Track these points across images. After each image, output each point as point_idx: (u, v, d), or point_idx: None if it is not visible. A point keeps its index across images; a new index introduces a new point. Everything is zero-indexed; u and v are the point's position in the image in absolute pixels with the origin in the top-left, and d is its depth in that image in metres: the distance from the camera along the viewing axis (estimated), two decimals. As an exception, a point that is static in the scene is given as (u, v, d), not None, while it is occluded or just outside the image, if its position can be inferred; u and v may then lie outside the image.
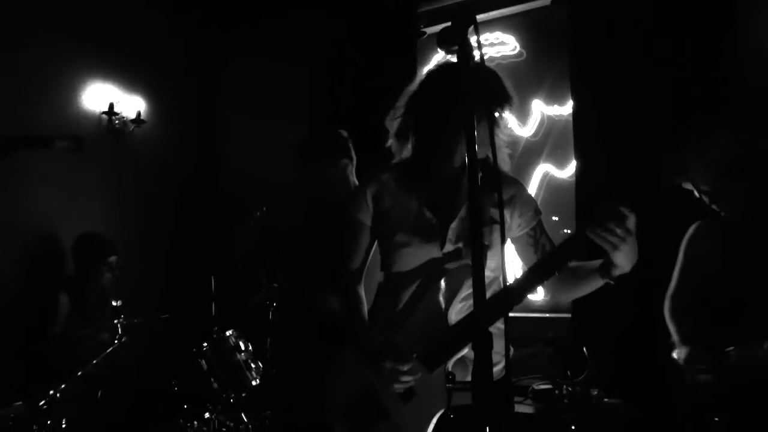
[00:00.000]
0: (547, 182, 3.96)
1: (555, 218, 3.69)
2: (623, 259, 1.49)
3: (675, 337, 2.30)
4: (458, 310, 1.70)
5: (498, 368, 1.77)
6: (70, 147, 2.58)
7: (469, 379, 1.55)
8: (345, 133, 2.70)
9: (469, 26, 1.12)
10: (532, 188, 3.93)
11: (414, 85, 1.80)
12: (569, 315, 3.60)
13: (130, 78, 4.51)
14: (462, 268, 1.69)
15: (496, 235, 1.75)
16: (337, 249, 1.92)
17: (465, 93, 1.11)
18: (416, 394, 1.63)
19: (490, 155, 1.77)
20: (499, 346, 1.79)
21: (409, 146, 1.81)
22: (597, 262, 1.58)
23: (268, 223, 3.04)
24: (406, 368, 1.59)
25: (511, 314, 3.92)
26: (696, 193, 2.19)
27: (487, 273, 1.76)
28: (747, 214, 2.16)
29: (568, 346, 3.30)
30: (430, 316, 1.68)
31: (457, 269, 1.69)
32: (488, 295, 1.72)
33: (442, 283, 1.70)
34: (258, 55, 4.95)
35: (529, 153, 4.03)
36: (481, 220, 1.70)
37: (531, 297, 3.89)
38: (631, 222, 1.43)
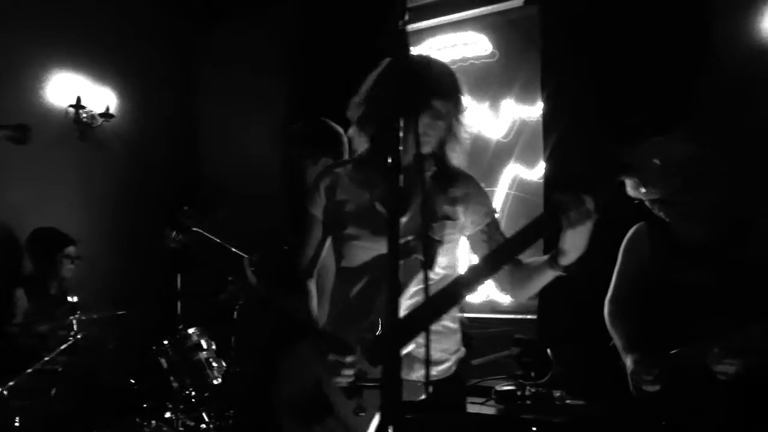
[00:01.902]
0: (517, 183, 3.95)
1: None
2: (573, 243, 1.50)
3: (618, 343, 2.29)
4: (407, 305, 1.69)
5: (446, 366, 1.79)
6: (14, 137, 2.50)
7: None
8: (339, 129, 2.53)
9: (402, 16, 1.10)
10: (502, 188, 3.93)
11: (373, 75, 1.79)
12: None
13: (99, 71, 4.45)
14: (412, 263, 1.68)
15: (449, 232, 1.75)
16: (294, 243, 1.93)
17: (397, 85, 1.10)
18: (362, 390, 1.62)
19: (441, 151, 1.77)
20: (447, 344, 1.80)
21: (367, 138, 1.80)
22: (546, 256, 1.61)
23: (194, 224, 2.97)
24: (348, 362, 1.59)
25: (480, 315, 3.90)
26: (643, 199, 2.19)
27: (438, 270, 1.76)
28: (693, 220, 2.17)
29: (532, 348, 3.30)
30: (378, 310, 1.67)
31: (408, 264, 1.68)
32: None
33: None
34: (234, 48, 4.90)
35: (500, 154, 4.02)
36: (430, 216, 1.70)
37: (499, 298, 3.88)
38: (591, 206, 1.44)
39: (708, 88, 3.13)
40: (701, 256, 2.13)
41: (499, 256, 1.57)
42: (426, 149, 1.72)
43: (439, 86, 1.67)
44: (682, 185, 2.06)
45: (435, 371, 1.76)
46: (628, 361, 2.19)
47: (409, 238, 1.69)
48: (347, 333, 1.68)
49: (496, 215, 1.87)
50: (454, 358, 1.81)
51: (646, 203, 2.26)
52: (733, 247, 2.10)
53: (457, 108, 1.73)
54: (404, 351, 1.60)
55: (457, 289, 1.48)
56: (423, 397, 1.57)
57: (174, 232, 3.02)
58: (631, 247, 2.35)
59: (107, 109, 4.40)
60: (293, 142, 2.59)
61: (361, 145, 1.82)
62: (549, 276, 1.62)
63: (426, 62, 1.75)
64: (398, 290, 0.91)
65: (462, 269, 1.86)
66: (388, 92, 1.66)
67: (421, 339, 1.65)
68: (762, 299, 1.99)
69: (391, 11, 1.13)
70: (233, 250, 2.67)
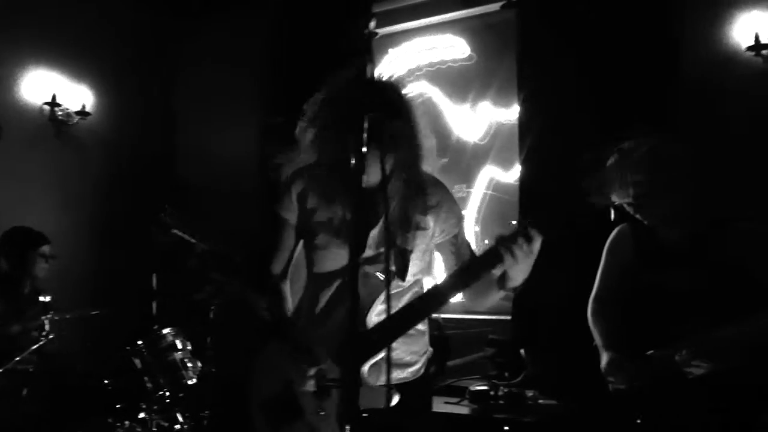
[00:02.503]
0: (494, 185, 3.99)
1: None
2: (518, 273, 1.59)
3: (598, 342, 2.32)
4: (378, 312, 1.70)
5: (416, 368, 1.82)
6: (-14, 135, 2.47)
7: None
8: None
9: (368, 26, 1.12)
10: (479, 190, 3.97)
11: (333, 83, 1.76)
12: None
13: (75, 68, 4.40)
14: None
15: (420, 241, 1.77)
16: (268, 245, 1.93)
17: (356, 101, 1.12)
18: (331, 394, 1.64)
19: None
20: (417, 347, 1.83)
21: (332, 146, 1.78)
22: (495, 275, 1.67)
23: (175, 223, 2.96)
24: (317, 364, 1.62)
25: (455, 316, 3.92)
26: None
27: (408, 277, 1.77)
28: (670, 222, 2.21)
29: (506, 348, 3.34)
30: (346, 316, 1.68)
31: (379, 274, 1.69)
32: (408, 299, 1.78)
33: (363, 286, 1.70)
34: (211, 47, 4.87)
35: (477, 156, 4.06)
36: (401, 226, 1.72)
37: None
38: (536, 245, 1.53)
39: (676, 93, 3.20)
40: (681, 258, 2.15)
41: (464, 276, 1.64)
42: (387, 167, 1.70)
43: (390, 108, 1.64)
44: (647, 188, 2.11)
45: (406, 373, 1.78)
46: (604, 358, 2.22)
47: (381, 249, 1.71)
48: (320, 338, 1.69)
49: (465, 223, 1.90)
50: (423, 360, 1.84)
51: (624, 206, 2.30)
52: (711, 249, 2.12)
53: (411, 126, 1.72)
54: (375, 358, 1.62)
55: (419, 311, 1.53)
56: (390, 400, 1.60)
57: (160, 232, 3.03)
58: (613, 248, 2.37)
59: (83, 107, 4.36)
60: (278, 137, 2.60)
61: (328, 151, 1.77)
62: (499, 293, 1.69)
63: (373, 84, 1.66)
64: (359, 299, 0.93)
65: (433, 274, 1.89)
66: (342, 109, 1.63)
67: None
68: (740, 301, 2.03)
69: (357, 18, 1.15)
70: (212, 250, 2.67)
